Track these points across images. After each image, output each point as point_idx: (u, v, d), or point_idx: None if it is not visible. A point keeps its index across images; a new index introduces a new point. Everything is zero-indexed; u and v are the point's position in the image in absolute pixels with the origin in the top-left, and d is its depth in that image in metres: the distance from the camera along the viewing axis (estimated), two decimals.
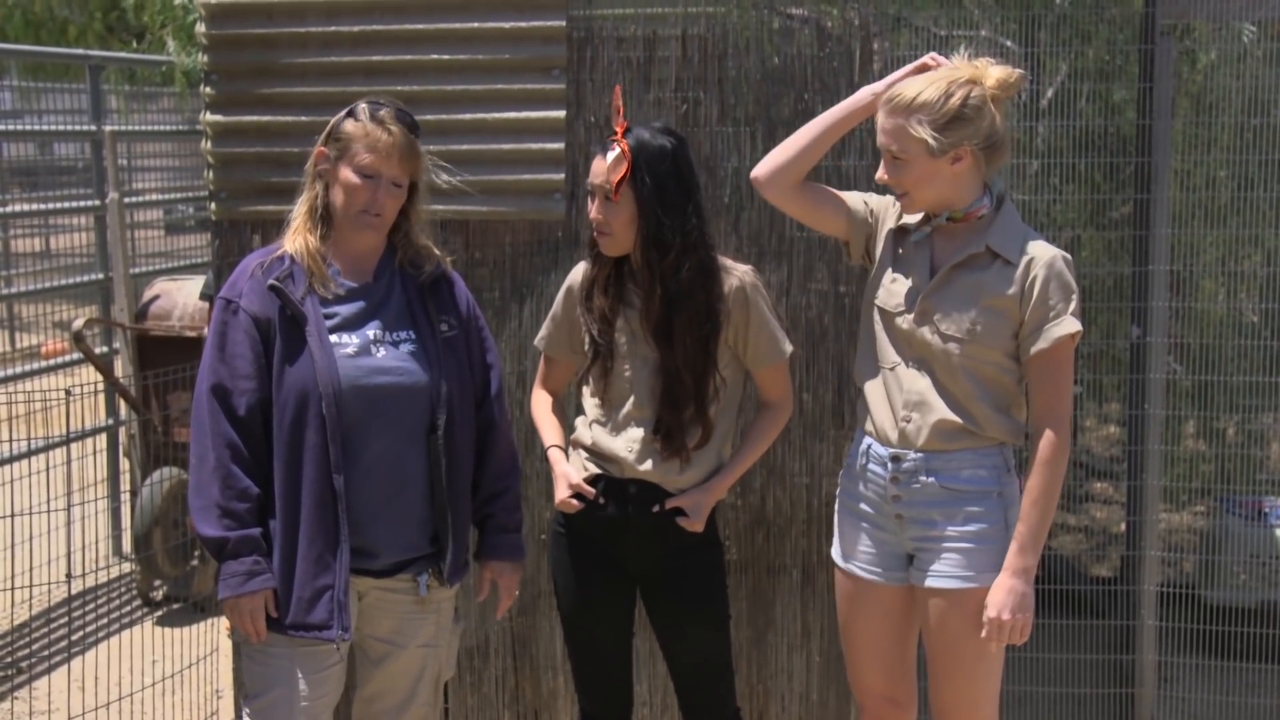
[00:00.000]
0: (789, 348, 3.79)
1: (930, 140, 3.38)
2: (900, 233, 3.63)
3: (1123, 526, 5.98)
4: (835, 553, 3.74)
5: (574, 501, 3.69)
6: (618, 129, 3.60)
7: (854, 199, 3.70)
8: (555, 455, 3.80)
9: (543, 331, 3.91)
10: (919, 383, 3.51)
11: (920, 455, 3.51)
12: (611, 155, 3.56)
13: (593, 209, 3.62)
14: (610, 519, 3.70)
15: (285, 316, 3.44)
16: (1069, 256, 3.49)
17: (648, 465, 3.66)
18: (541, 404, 3.93)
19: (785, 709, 4.76)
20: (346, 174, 3.44)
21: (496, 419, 3.73)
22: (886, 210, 3.67)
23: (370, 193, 3.44)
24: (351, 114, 3.48)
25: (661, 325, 3.61)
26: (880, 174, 3.51)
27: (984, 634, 3.44)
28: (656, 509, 3.67)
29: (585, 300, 3.72)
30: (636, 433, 3.67)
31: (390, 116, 3.47)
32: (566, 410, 4.07)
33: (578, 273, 3.80)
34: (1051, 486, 3.44)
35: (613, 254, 3.65)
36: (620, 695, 3.90)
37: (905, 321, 3.52)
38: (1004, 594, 3.42)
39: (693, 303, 3.60)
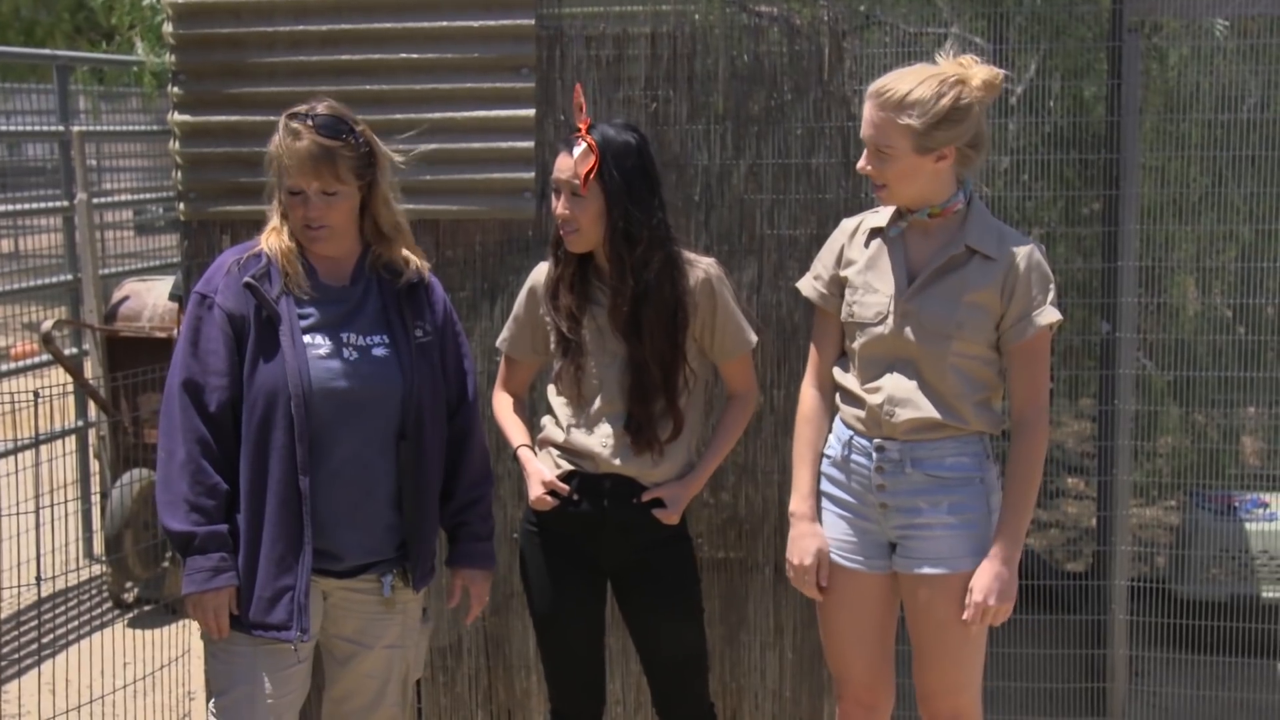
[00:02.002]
0: (754, 337, 3.82)
1: (919, 138, 3.40)
2: (872, 235, 3.64)
3: (1094, 521, 6.00)
4: None
5: (548, 498, 3.69)
6: (581, 126, 3.60)
7: (830, 315, 3.71)
8: (525, 454, 3.80)
9: (505, 333, 3.91)
10: (904, 384, 3.53)
11: (904, 445, 3.54)
12: (578, 150, 3.57)
13: (558, 205, 3.62)
14: (585, 515, 3.70)
15: (259, 315, 3.42)
16: (1043, 247, 3.56)
17: (623, 460, 3.66)
18: (504, 405, 3.93)
19: (758, 707, 4.76)
20: (283, 195, 3.44)
21: (471, 426, 3.72)
22: (837, 255, 3.70)
23: (302, 209, 3.42)
24: (278, 131, 3.41)
25: (630, 320, 3.61)
26: (862, 164, 3.52)
27: (966, 615, 3.50)
28: (636, 501, 3.68)
29: (551, 299, 3.72)
30: (610, 428, 3.67)
31: (304, 126, 3.38)
32: (529, 411, 4.07)
33: (540, 273, 3.80)
34: (1036, 476, 3.53)
35: (578, 250, 3.65)
36: (593, 694, 3.89)
37: (886, 328, 3.53)
38: (989, 579, 3.48)
39: (661, 296, 3.62)
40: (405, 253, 3.61)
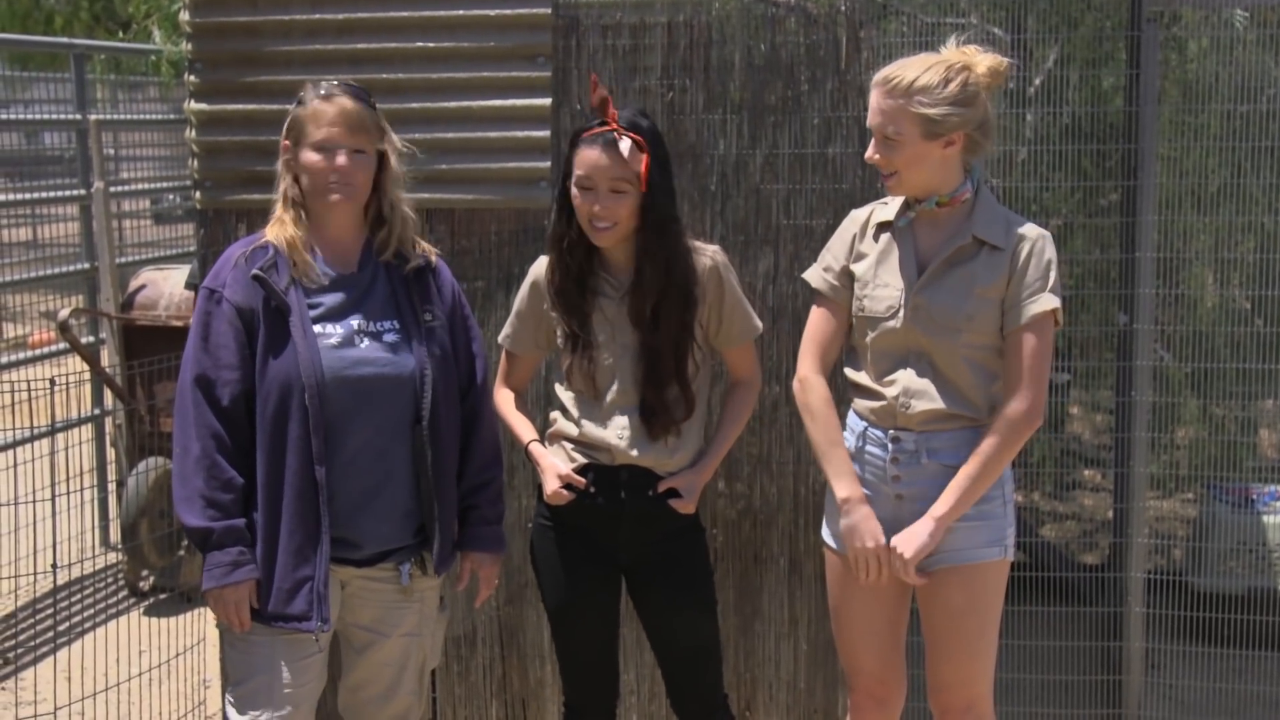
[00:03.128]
0: (760, 324, 3.83)
1: (928, 123, 3.40)
2: (881, 228, 3.63)
3: (1111, 513, 5.98)
4: (826, 534, 3.74)
5: (565, 492, 3.68)
6: (610, 118, 3.55)
7: (838, 306, 3.68)
8: (537, 449, 3.78)
9: (507, 330, 3.88)
10: (917, 381, 3.52)
11: (920, 435, 3.53)
12: (625, 145, 3.51)
13: (591, 204, 3.55)
14: (602, 507, 3.69)
15: (269, 307, 3.43)
16: (1049, 234, 3.54)
17: (639, 450, 3.65)
18: (508, 401, 3.90)
19: (773, 697, 4.76)
20: (306, 155, 3.44)
21: (481, 408, 3.72)
22: (849, 246, 3.68)
23: (329, 162, 3.43)
24: (300, 102, 3.48)
25: (652, 309, 3.60)
26: (870, 154, 3.51)
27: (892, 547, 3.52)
28: (652, 493, 3.67)
29: (560, 295, 3.68)
30: (624, 419, 3.66)
31: (335, 89, 3.47)
32: (543, 402, 4.06)
33: (541, 268, 3.76)
34: (1003, 453, 3.47)
35: (610, 244, 3.61)
36: (608, 687, 3.88)
37: (898, 321, 3.52)
38: (911, 536, 3.49)
39: (680, 286, 3.62)
40: (409, 238, 3.63)
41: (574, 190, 3.59)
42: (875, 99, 3.47)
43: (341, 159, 3.44)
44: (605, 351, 3.65)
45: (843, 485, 3.59)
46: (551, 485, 3.69)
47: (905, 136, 3.43)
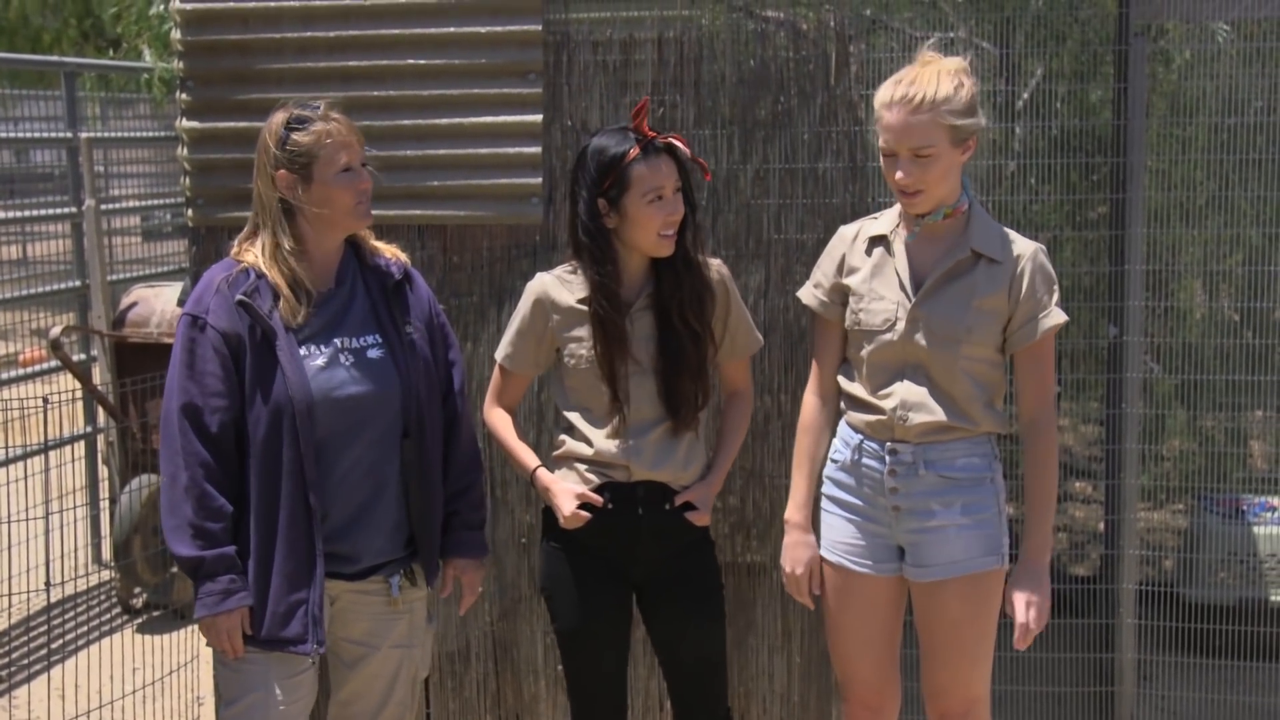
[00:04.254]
0: (760, 338, 3.88)
1: (955, 131, 3.43)
2: (874, 243, 3.65)
3: (1102, 525, 6.00)
4: (822, 547, 3.76)
5: (583, 513, 3.65)
6: (646, 131, 3.58)
7: (831, 323, 3.74)
8: (546, 476, 3.74)
9: (507, 348, 3.81)
10: (915, 390, 3.54)
11: (917, 447, 3.55)
12: (683, 149, 3.61)
13: (665, 214, 3.57)
14: (620, 524, 3.68)
15: (254, 332, 3.40)
16: (1043, 246, 3.59)
17: (657, 466, 3.66)
18: (506, 425, 3.85)
19: (766, 710, 4.76)
20: (330, 182, 3.42)
21: (460, 415, 3.73)
22: (838, 263, 3.72)
23: (356, 184, 3.45)
24: (297, 128, 3.43)
25: (683, 301, 3.64)
26: (901, 176, 3.46)
27: (1015, 638, 3.52)
28: (669, 506, 3.68)
29: (605, 319, 3.62)
30: (643, 436, 3.66)
31: (328, 108, 3.48)
32: (538, 417, 4.06)
33: (544, 286, 3.73)
34: (1055, 476, 3.58)
35: (671, 250, 3.63)
36: (617, 708, 3.86)
37: (895, 334, 3.54)
38: (1029, 589, 3.53)
39: (700, 277, 3.67)
40: (380, 244, 3.66)
41: (639, 209, 3.56)
42: (897, 118, 3.43)
43: (367, 178, 3.47)
44: (624, 367, 3.65)
45: (790, 507, 3.77)
46: (569, 507, 3.65)
47: (938, 149, 3.43)
